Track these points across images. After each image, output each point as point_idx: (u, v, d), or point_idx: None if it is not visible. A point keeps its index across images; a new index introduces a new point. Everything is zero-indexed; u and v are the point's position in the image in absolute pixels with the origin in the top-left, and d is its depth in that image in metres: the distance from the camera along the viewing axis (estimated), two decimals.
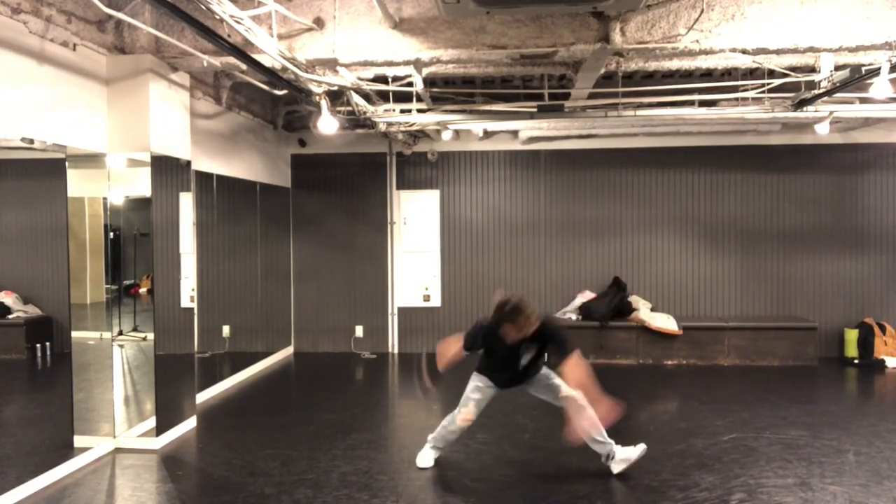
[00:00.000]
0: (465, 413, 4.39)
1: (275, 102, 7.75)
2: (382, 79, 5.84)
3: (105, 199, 4.93)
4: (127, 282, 5.35)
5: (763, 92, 6.26)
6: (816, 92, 5.68)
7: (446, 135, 7.42)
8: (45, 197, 4.58)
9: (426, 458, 4.55)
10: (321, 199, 8.63)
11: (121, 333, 5.17)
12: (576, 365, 4.02)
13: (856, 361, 7.71)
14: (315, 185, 8.64)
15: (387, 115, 6.54)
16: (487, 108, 6.60)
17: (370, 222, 8.60)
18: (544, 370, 4.36)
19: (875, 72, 4.87)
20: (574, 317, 7.90)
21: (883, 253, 8.05)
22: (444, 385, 7.01)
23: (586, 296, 8.07)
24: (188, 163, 5.50)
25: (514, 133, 8.18)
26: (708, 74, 6.70)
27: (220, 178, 6.59)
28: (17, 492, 4.01)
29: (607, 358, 7.83)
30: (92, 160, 4.77)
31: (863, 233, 8.07)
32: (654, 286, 8.30)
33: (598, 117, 6.55)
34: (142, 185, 4.95)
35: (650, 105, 6.48)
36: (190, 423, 5.47)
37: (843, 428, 5.32)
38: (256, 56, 4.48)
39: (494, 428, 5.32)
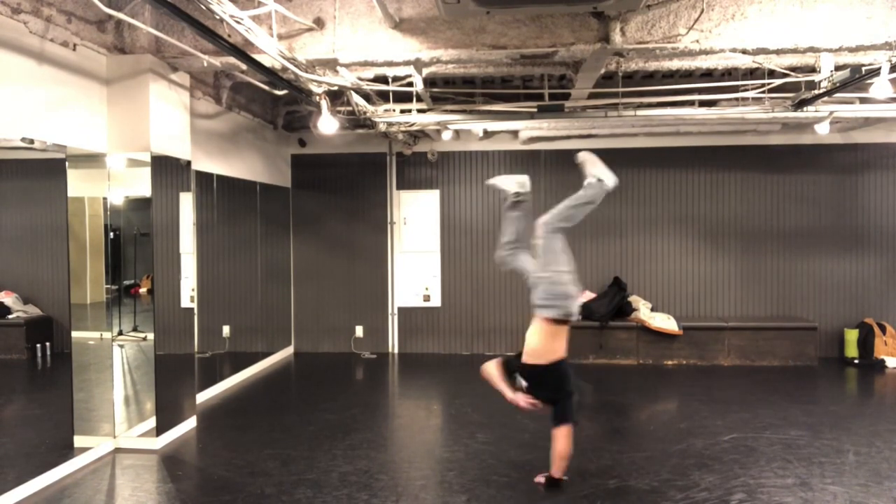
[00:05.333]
0: None
1: (275, 102, 7.75)
2: (382, 79, 5.84)
3: (105, 199, 4.92)
4: (127, 282, 5.35)
5: (763, 92, 6.26)
6: (816, 92, 5.69)
7: (446, 135, 7.43)
8: (45, 197, 4.58)
9: None
10: (321, 199, 8.63)
11: (121, 333, 5.18)
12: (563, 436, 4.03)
13: (856, 361, 7.71)
14: (315, 185, 8.64)
15: (387, 115, 6.54)
16: (487, 108, 6.60)
17: (370, 222, 8.60)
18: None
19: (875, 72, 4.87)
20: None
21: (883, 253, 8.05)
22: (445, 385, 7.03)
23: (586, 296, 8.05)
24: (188, 163, 5.49)
25: (514, 133, 8.18)
26: (708, 74, 6.71)
27: (220, 178, 6.60)
28: (17, 492, 4.01)
29: (607, 358, 7.83)
30: (92, 160, 4.77)
31: (863, 233, 8.07)
32: (654, 286, 8.30)
33: (598, 117, 6.56)
34: (142, 185, 4.95)
35: (650, 105, 6.49)
36: (190, 423, 5.47)
37: (843, 428, 5.32)
38: (256, 56, 4.48)
39: (494, 428, 5.32)
